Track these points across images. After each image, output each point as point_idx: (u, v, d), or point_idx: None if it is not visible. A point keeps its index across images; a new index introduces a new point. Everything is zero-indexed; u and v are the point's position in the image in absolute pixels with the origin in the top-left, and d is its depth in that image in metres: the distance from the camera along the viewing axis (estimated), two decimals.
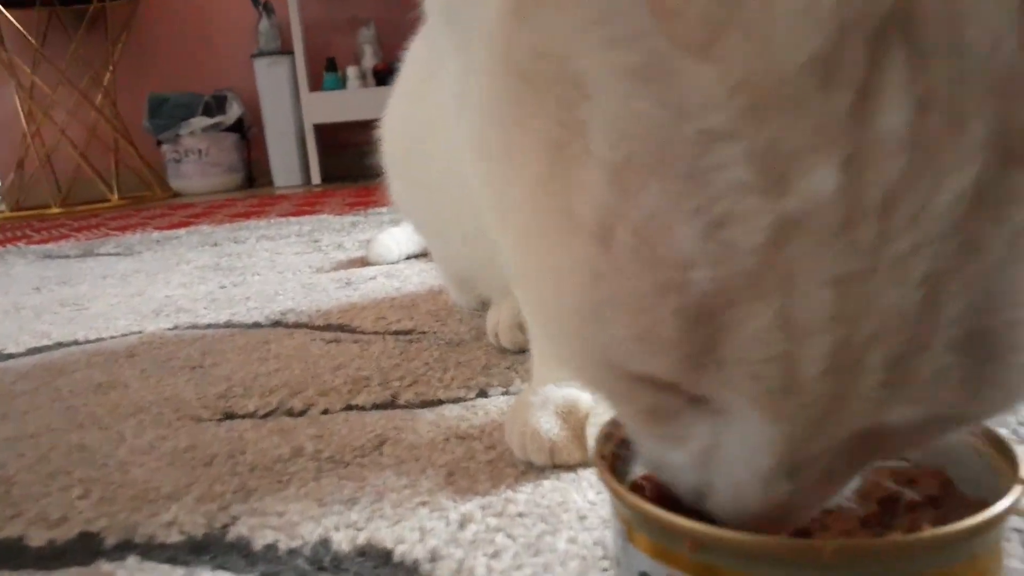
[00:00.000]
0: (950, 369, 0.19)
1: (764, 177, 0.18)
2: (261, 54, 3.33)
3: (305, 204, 2.50)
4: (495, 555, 0.39)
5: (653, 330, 0.20)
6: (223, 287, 1.21)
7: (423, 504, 0.45)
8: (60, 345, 0.93)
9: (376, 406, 0.62)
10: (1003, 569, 0.27)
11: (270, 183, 3.60)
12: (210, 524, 0.45)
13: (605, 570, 0.37)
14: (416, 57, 0.77)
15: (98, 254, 1.70)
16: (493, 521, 0.42)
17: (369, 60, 3.38)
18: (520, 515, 0.42)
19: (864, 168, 0.18)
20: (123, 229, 2.17)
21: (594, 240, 0.21)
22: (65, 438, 0.61)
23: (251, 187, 3.65)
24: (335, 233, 1.69)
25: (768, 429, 0.21)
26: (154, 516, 0.46)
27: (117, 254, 1.69)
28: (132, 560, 0.42)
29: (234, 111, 3.40)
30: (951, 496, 0.31)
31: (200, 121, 3.31)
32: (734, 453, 0.22)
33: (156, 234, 1.93)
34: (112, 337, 0.95)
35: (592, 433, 0.47)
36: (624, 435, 0.35)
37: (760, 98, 0.18)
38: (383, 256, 1.28)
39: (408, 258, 1.30)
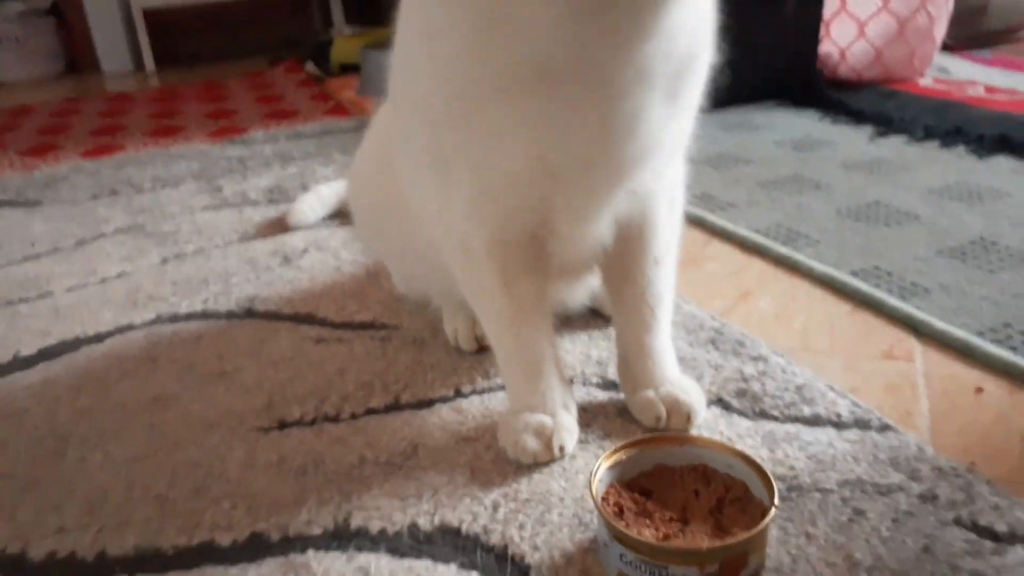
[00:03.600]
0: None
1: None
2: None
3: (158, 113, 2.51)
4: (520, 527, 0.72)
5: None
6: (165, 260, 1.39)
7: (466, 495, 0.77)
8: (64, 344, 1.12)
9: (387, 407, 0.92)
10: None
11: (95, 67, 3.44)
12: (335, 520, 0.75)
13: (581, 524, 0.71)
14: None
15: None
16: (512, 505, 0.75)
17: None
18: (527, 500, 0.75)
19: None
20: None
21: None
22: (174, 457, 0.86)
23: (74, 72, 3.48)
24: (230, 175, 1.84)
25: None
26: (296, 517, 0.75)
27: (9, 203, 1.75)
28: (310, 552, 0.71)
29: None
30: (748, 497, 0.68)
31: (13, 6, 3.08)
32: None
33: (37, 174, 1.96)
34: (109, 333, 1.14)
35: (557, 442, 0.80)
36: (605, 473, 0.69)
37: None
38: (301, 222, 1.50)
39: (325, 218, 1.53)
